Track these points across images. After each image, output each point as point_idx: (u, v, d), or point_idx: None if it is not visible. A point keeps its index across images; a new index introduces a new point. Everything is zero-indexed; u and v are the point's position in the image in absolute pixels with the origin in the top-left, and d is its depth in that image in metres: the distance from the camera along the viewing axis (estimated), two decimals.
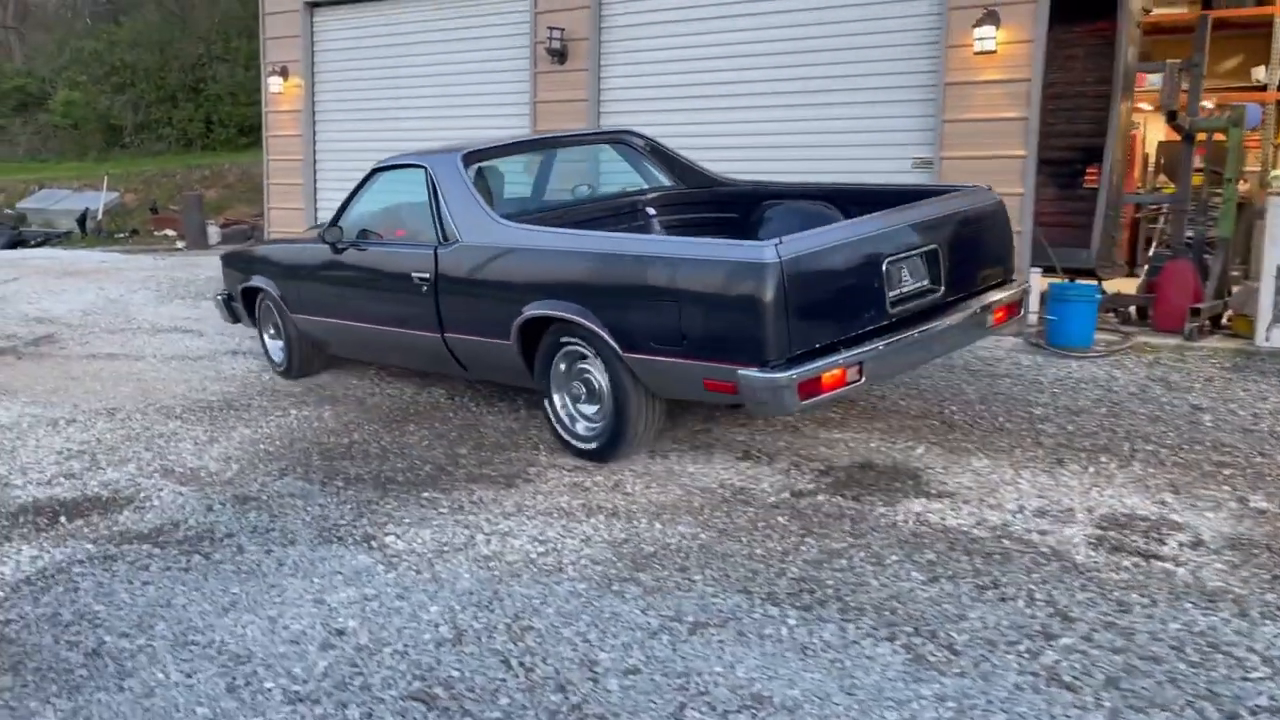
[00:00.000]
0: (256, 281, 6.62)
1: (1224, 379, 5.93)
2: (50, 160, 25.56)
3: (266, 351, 6.86)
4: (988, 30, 6.65)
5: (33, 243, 17.57)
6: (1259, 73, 9.72)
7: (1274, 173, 9.19)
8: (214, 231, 15.78)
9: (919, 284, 4.47)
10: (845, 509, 4.16)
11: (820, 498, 4.29)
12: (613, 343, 4.44)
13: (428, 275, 5.24)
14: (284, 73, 10.43)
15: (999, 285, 4.94)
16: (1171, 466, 4.53)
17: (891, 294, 4.32)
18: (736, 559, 3.75)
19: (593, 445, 4.80)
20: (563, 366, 4.84)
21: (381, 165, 5.81)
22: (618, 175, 6.29)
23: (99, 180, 21.07)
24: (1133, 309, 7.35)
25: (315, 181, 10.80)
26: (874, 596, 3.42)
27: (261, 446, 5.36)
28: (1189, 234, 7.28)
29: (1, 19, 32.64)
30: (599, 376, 4.67)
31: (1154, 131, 9.80)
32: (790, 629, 3.21)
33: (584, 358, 4.72)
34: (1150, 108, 8.82)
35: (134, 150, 24.39)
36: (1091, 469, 4.52)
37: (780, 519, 4.09)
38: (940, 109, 7.07)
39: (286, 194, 11.09)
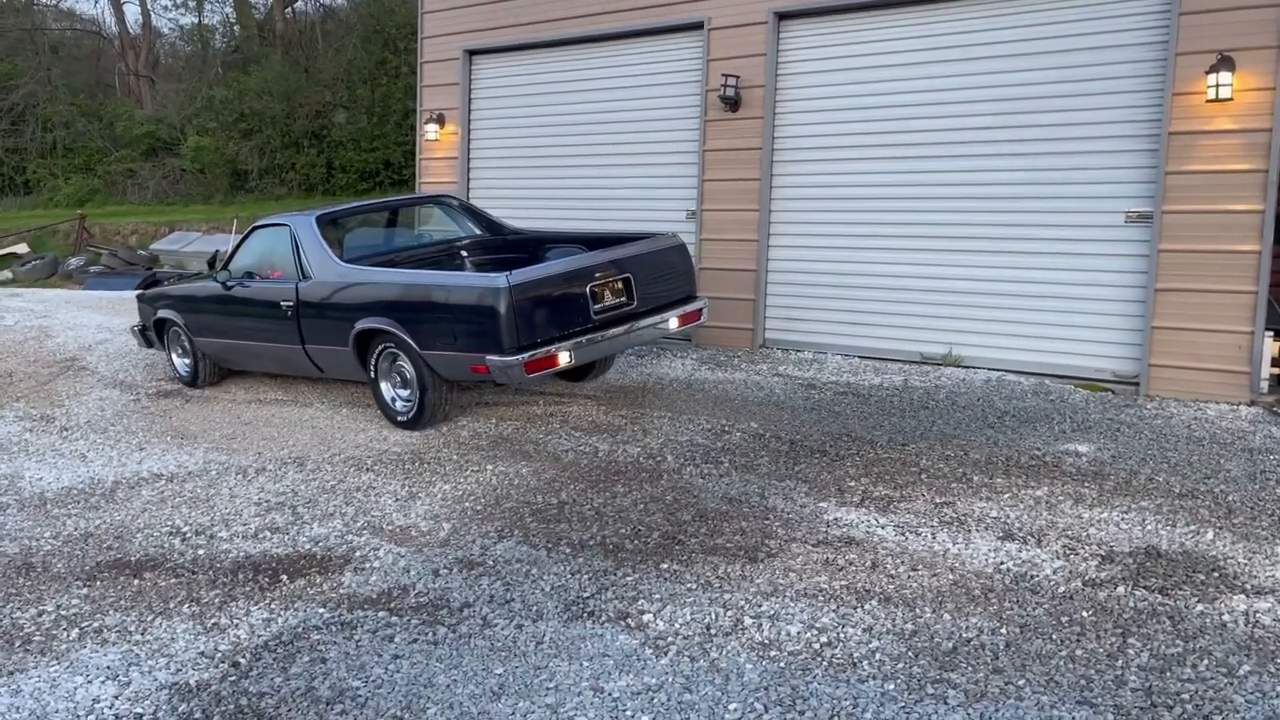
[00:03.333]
0: (164, 314, 8.16)
1: None
2: (177, 203, 26.43)
3: (175, 368, 8.32)
4: (1224, 76, 6.17)
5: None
6: None
7: None
8: None
9: (618, 300, 6.21)
10: (1156, 605, 3.70)
11: (1120, 590, 3.83)
12: (414, 344, 6.17)
13: (291, 303, 6.93)
14: (440, 120, 10.41)
15: (682, 301, 6.62)
16: None
17: (596, 306, 6.07)
18: (1056, 661, 3.32)
19: (407, 417, 6.50)
20: (385, 364, 6.56)
21: (258, 224, 7.55)
22: (443, 227, 8.09)
23: (226, 223, 21.61)
24: None
25: None
26: (1247, 718, 2.95)
27: (467, 505, 5.11)
28: None
29: (134, 67, 34.19)
30: (409, 368, 6.40)
31: None
32: None
33: (398, 356, 6.44)
34: None
35: (258, 194, 25.05)
36: None
37: (1084, 614, 3.65)
38: (1162, 160, 6.56)
39: None
